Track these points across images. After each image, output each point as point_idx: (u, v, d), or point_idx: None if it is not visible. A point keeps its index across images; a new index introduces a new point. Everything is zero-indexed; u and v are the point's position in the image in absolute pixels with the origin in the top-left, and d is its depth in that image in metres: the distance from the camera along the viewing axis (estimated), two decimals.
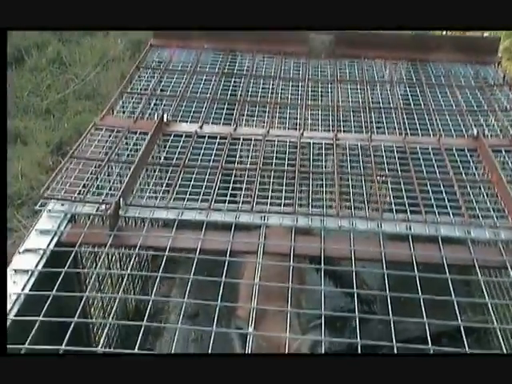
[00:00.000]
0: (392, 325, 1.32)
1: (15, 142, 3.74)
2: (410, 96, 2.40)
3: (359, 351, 1.27)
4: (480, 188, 1.81)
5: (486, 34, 4.28)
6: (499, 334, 1.31)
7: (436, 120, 2.17)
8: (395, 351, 1.25)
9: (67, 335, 1.22)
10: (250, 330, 1.31)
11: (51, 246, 1.52)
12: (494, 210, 1.68)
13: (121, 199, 1.62)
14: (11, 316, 1.30)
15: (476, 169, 1.91)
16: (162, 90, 2.45)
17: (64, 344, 1.20)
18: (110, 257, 2.09)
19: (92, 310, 2.01)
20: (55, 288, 1.35)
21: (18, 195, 3.24)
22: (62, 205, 1.66)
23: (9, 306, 1.32)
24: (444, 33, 3.79)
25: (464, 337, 1.32)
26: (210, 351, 1.23)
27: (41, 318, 1.25)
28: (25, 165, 3.43)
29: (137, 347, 1.23)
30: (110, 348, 2.09)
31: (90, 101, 4.16)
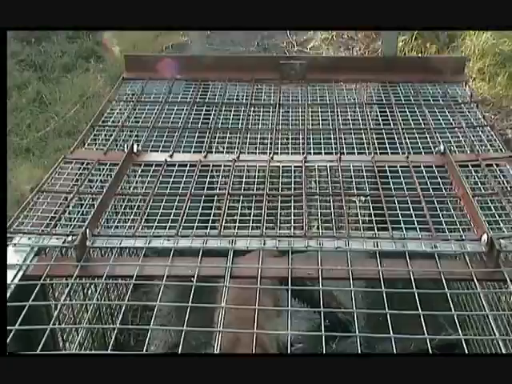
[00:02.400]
0: (358, 341, 1.31)
1: None
2: (379, 117, 2.43)
3: None
4: (447, 203, 1.83)
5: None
6: (464, 345, 1.30)
7: (405, 139, 2.19)
8: None
9: None
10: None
11: (16, 280, 1.51)
12: (460, 224, 1.69)
13: (87, 230, 1.62)
14: None
15: (443, 184, 1.92)
16: (135, 122, 2.47)
17: None
18: (85, 289, 2.09)
19: (67, 344, 1.99)
20: (18, 322, 1.34)
21: None
22: (29, 238, 1.66)
23: None
24: (413, 54, 3.87)
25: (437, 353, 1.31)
26: None
27: None
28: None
29: None
30: None
31: (70, 138, 4.17)
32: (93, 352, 1.22)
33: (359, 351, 1.28)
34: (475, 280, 1.48)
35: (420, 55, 4.92)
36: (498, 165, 1.98)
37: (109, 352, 1.23)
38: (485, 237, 1.56)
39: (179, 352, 1.30)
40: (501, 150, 2.10)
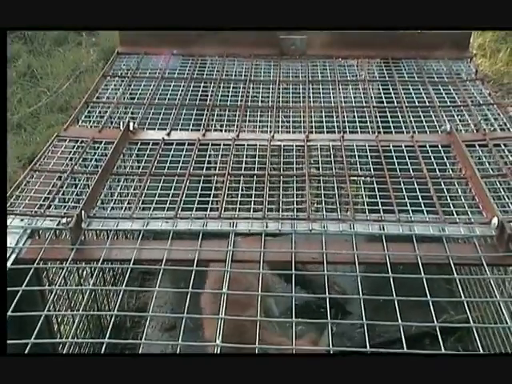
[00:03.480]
0: (365, 328, 1.26)
1: None
2: (382, 94, 2.36)
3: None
4: (454, 184, 1.77)
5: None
6: (475, 332, 1.26)
7: (409, 117, 2.13)
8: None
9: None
10: (218, 341, 1.25)
11: (9, 264, 1.45)
12: (468, 206, 1.63)
13: (82, 211, 1.56)
14: None
15: (450, 164, 1.86)
16: (130, 98, 2.39)
17: None
18: (80, 272, 2.04)
19: (62, 327, 1.94)
20: (11, 308, 1.29)
21: None
22: (22, 220, 1.59)
23: None
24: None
25: (442, 337, 1.26)
26: None
27: None
28: None
29: None
30: None
31: (62, 113, 4.08)
32: (93, 352, 1.17)
33: (367, 340, 1.23)
34: (485, 265, 1.43)
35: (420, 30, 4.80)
36: (505, 144, 1.92)
37: (109, 352, 1.19)
38: (495, 220, 1.50)
39: (179, 337, 1.26)
40: (508, 129, 2.04)
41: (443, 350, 1.20)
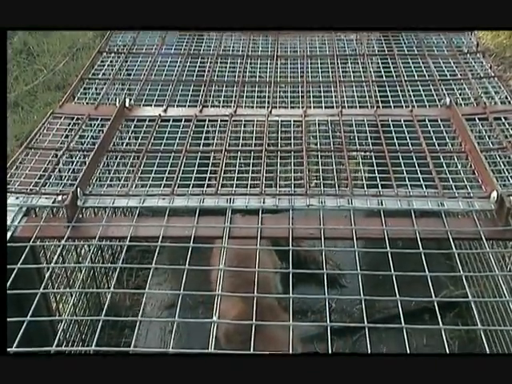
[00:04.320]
0: (363, 303, 1.25)
1: None
2: (381, 68, 2.33)
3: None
4: (454, 158, 1.75)
5: None
6: (473, 307, 1.25)
7: (409, 91, 2.10)
8: (366, 331, 1.18)
9: (20, 333, 1.16)
10: (215, 318, 1.25)
11: None
12: (467, 180, 1.62)
13: (78, 189, 1.54)
14: None
15: (450, 138, 1.84)
16: (127, 74, 2.37)
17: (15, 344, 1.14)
18: (77, 250, 2.03)
19: (60, 306, 1.95)
20: (7, 286, 1.28)
21: None
22: (17, 198, 1.58)
23: None
24: None
25: (441, 312, 1.25)
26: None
27: None
28: None
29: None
30: (83, 344, 2.04)
31: (60, 91, 4.05)
32: (94, 349, 1.15)
33: (364, 316, 1.23)
34: (484, 239, 1.41)
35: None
36: (506, 118, 1.89)
37: (111, 351, 1.18)
38: (494, 194, 1.49)
39: (176, 313, 1.25)
40: (509, 102, 2.01)
41: (441, 325, 1.19)
